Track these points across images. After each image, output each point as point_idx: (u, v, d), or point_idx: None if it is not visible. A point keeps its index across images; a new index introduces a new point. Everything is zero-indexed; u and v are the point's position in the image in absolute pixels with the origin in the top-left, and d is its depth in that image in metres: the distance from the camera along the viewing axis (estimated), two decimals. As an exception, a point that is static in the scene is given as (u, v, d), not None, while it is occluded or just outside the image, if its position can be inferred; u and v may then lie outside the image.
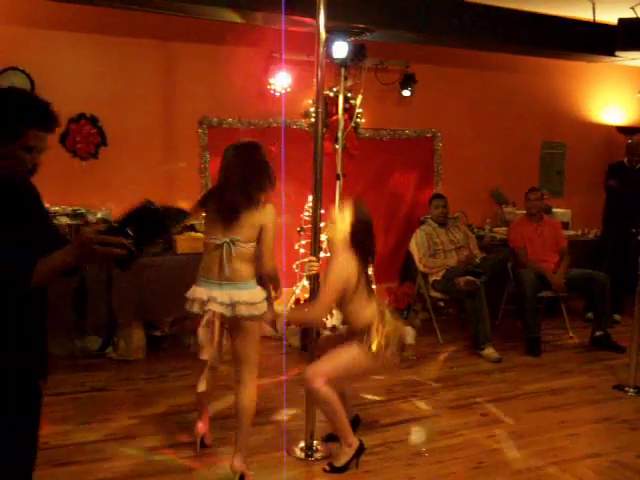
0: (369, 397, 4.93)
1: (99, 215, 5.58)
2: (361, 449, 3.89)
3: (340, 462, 3.84)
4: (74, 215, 5.50)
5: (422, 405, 4.82)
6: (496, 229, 7.28)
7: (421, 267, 6.36)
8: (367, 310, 3.84)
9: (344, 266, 3.78)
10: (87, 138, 5.79)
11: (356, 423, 4.25)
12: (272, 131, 6.48)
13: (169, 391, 4.89)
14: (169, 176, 6.11)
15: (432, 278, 6.33)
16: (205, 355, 3.61)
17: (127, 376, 5.20)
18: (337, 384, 3.84)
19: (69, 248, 2.11)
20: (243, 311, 3.57)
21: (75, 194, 5.74)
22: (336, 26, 5.48)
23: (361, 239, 3.82)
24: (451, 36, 5.99)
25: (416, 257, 6.39)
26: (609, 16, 6.64)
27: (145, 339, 5.61)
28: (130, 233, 2.07)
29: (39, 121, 2.20)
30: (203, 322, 3.56)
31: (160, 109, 6.06)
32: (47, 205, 5.46)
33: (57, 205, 5.56)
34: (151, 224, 2.20)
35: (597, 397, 5.09)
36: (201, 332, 3.57)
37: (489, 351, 5.82)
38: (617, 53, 6.28)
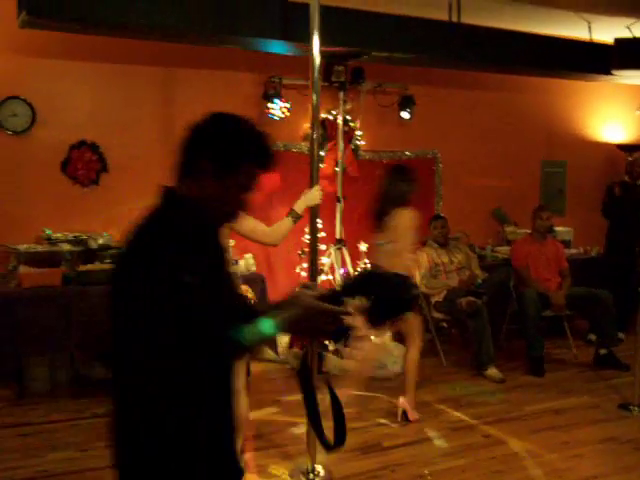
0: (373, 419, 4.90)
1: (100, 241, 5.61)
2: None
3: None
4: (76, 241, 5.53)
5: (424, 427, 4.79)
6: (498, 248, 7.28)
7: (422, 288, 6.35)
8: None
9: None
10: (88, 164, 5.84)
11: None
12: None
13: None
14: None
15: (434, 299, 6.32)
16: None
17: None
18: None
19: (286, 315, 1.75)
20: None
21: (76, 220, 5.78)
22: (333, 50, 5.52)
23: None
24: (448, 58, 6.02)
25: (417, 278, 6.38)
26: (605, 35, 6.69)
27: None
28: (358, 302, 1.80)
29: (257, 155, 1.85)
30: None
31: (160, 135, 6.09)
32: (49, 232, 5.55)
33: (58, 232, 5.60)
34: (386, 294, 1.88)
35: (601, 417, 5.06)
36: None
37: (492, 371, 5.80)
38: (613, 72, 6.31)
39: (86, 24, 4.79)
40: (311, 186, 3.94)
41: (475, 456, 4.32)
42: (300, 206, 3.99)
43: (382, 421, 4.89)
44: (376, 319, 1.87)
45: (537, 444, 4.51)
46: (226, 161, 1.80)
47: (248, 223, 3.81)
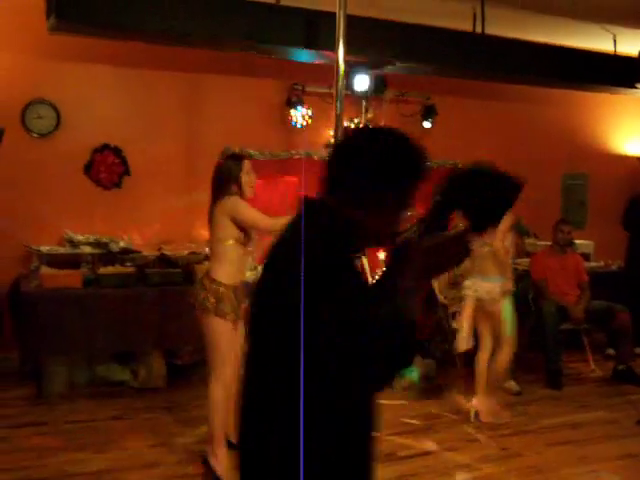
0: (387, 429, 4.89)
1: (121, 244, 5.65)
2: None
3: None
4: (97, 244, 5.58)
5: (440, 438, 4.77)
6: (518, 260, 7.23)
7: (441, 298, 6.33)
8: None
9: None
10: (111, 168, 5.89)
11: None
12: (293, 162, 6.54)
13: (190, 421, 4.88)
14: (192, 205, 6.17)
15: (452, 309, 6.29)
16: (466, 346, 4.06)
17: (147, 405, 5.20)
18: None
19: (408, 273, 1.67)
20: None
21: (98, 223, 5.84)
22: (357, 59, 5.53)
23: None
24: (471, 68, 6.03)
25: (436, 288, 6.36)
26: (630, 48, 6.67)
27: (166, 368, 5.62)
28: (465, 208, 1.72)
29: (418, 171, 1.78)
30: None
31: (183, 139, 6.15)
32: (71, 234, 5.60)
33: (80, 234, 5.65)
34: (488, 193, 1.78)
35: (619, 432, 5.01)
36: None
37: (510, 384, 5.76)
38: (638, 85, 6.28)
39: (114, 29, 4.87)
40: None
41: (491, 469, 4.29)
42: None
43: (397, 430, 4.87)
44: (482, 223, 1.78)
45: (554, 458, 4.47)
46: (391, 179, 1.73)
47: (250, 212, 3.92)
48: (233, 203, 3.94)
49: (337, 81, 3.81)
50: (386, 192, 1.71)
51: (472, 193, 1.77)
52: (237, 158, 4.12)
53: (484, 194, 1.77)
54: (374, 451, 1.81)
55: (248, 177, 4.05)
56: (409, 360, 1.74)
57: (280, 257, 1.73)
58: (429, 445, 4.64)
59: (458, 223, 1.73)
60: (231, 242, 3.97)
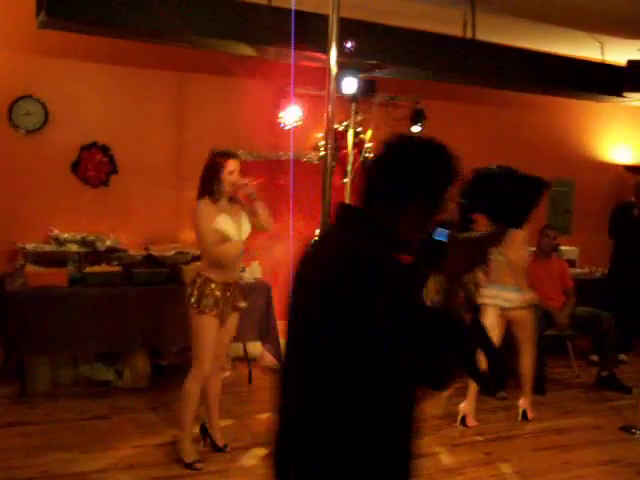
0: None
1: (108, 243, 5.61)
2: None
3: None
4: (83, 242, 5.53)
5: (426, 442, 4.77)
6: (503, 266, 7.26)
7: (429, 304, 6.34)
8: None
9: None
10: (98, 166, 5.86)
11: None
12: (282, 164, 6.53)
13: (174, 421, 4.83)
14: (179, 205, 6.15)
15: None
16: None
17: (131, 405, 5.17)
18: None
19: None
20: None
21: (85, 221, 5.80)
22: (347, 62, 5.53)
23: None
24: (461, 74, 6.04)
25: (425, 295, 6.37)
26: (616, 57, 6.72)
27: (150, 368, 5.60)
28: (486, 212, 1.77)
29: (454, 179, 1.83)
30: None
31: (171, 139, 6.12)
32: (57, 232, 5.56)
33: (67, 232, 5.61)
34: (512, 194, 1.84)
35: (603, 438, 5.04)
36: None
37: (494, 388, 5.79)
38: (625, 94, 6.33)
39: (104, 27, 4.82)
40: (323, 199, 3.91)
41: (475, 473, 4.31)
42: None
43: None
44: (514, 220, 1.84)
45: (538, 463, 4.50)
46: (428, 187, 1.78)
47: (203, 228, 4.03)
48: (196, 209, 4.05)
49: (329, 84, 3.80)
50: (423, 199, 1.76)
51: (496, 195, 1.84)
52: (222, 156, 4.12)
53: (508, 195, 1.82)
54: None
55: (231, 176, 4.07)
56: (468, 359, 1.76)
57: (327, 264, 1.74)
58: (423, 448, 4.63)
59: (482, 225, 1.80)
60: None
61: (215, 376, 4.30)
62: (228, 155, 4.13)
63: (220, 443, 4.37)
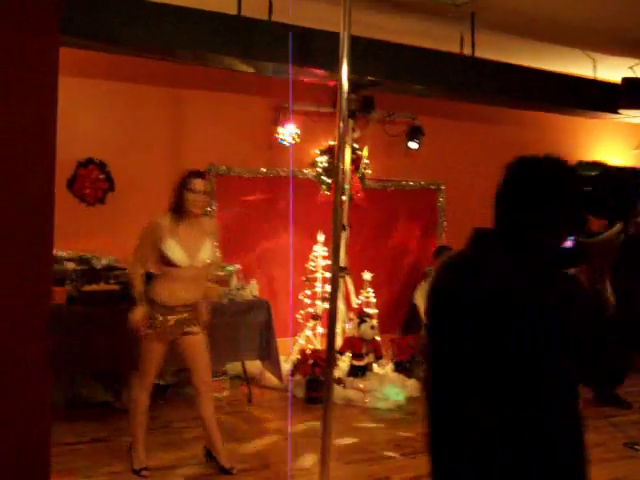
0: (379, 452, 4.83)
1: (104, 261, 5.53)
2: None
3: None
4: (80, 261, 5.44)
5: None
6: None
7: (426, 320, 6.31)
8: None
9: None
10: (95, 184, 5.78)
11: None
12: (279, 180, 6.49)
13: (173, 443, 4.77)
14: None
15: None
16: None
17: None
18: None
19: None
20: None
21: (81, 239, 5.71)
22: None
23: None
24: (459, 91, 6.06)
25: (421, 309, 6.35)
26: (609, 74, 6.79)
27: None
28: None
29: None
30: None
31: (168, 156, 6.06)
32: (54, 250, 5.45)
33: (63, 250, 5.51)
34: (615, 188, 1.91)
35: (607, 456, 5.00)
36: None
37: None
38: (620, 111, 6.39)
39: (101, 42, 4.78)
40: (334, 218, 3.86)
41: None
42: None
43: (388, 454, 4.82)
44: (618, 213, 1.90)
45: None
46: (570, 203, 1.87)
47: (136, 246, 4.18)
48: (151, 222, 4.11)
49: (340, 101, 3.77)
50: (563, 214, 1.85)
51: (598, 192, 1.91)
52: (189, 175, 4.13)
53: (610, 190, 1.89)
54: None
55: (193, 195, 4.05)
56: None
57: (505, 287, 1.78)
58: (421, 467, 4.57)
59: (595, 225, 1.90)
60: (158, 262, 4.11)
61: (205, 400, 4.26)
62: (194, 174, 4.12)
63: (226, 465, 4.30)
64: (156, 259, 4.10)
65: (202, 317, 4.26)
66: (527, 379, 1.74)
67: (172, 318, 4.10)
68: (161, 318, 4.08)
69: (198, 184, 4.07)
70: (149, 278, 5.18)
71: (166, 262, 4.04)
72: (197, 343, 4.22)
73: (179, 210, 4.06)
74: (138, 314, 4.13)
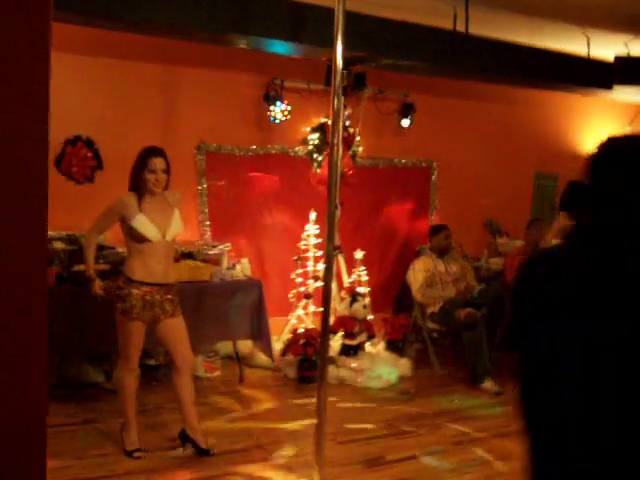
0: (373, 431, 4.81)
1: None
2: None
3: None
4: (69, 240, 5.36)
5: (425, 440, 4.72)
6: (491, 260, 7.25)
7: (419, 298, 6.29)
8: None
9: None
10: (83, 161, 5.68)
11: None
12: (270, 158, 6.42)
13: (165, 424, 4.72)
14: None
15: (429, 310, 6.27)
16: None
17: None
18: None
19: None
20: None
21: (69, 218, 5.59)
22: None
23: None
24: (451, 66, 5.98)
25: (414, 288, 6.32)
26: (603, 51, 6.72)
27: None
28: None
29: None
30: None
31: (157, 133, 5.95)
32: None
33: (51, 230, 5.42)
34: None
35: None
36: None
37: (489, 384, 5.75)
38: (615, 87, 6.34)
39: (90, 16, 4.67)
40: (330, 198, 3.78)
41: (481, 472, 4.26)
42: None
43: (382, 433, 4.81)
44: None
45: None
46: None
47: (99, 214, 4.20)
48: (119, 198, 4.09)
49: (335, 78, 3.69)
50: None
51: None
52: (147, 154, 4.06)
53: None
54: None
55: (153, 175, 4.00)
56: None
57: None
58: (416, 448, 4.57)
59: None
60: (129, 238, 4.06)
61: (182, 378, 4.20)
62: (153, 152, 4.05)
63: (203, 445, 4.24)
64: (126, 236, 4.05)
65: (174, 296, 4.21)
66: None
67: (150, 296, 4.03)
68: (138, 296, 4.00)
69: (158, 163, 4.01)
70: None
71: (138, 239, 3.97)
72: (176, 321, 4.16)
73: (140, 190, 4.02)
74: (97, 286, 4.15)
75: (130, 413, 4.25)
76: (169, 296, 4.13)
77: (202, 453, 4.22)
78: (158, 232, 4.00)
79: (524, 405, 1.83)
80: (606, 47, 6.71)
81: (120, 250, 5.47)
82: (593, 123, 8.42)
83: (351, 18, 5.28)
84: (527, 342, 1.75)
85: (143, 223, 3.95)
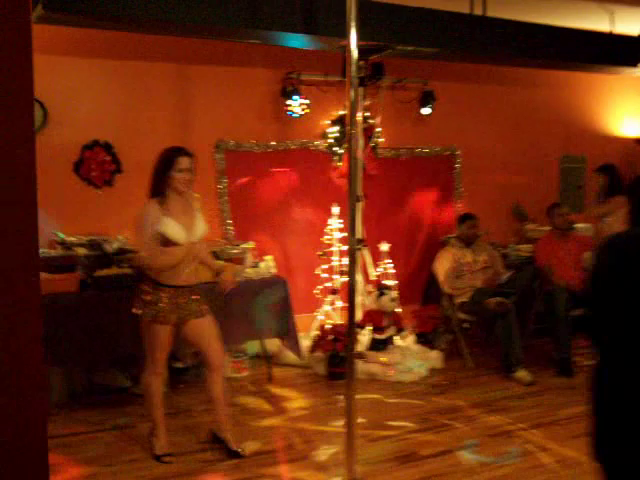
0: (405, 427, 4.72)
1: (115, 245, 5.41)
2: None
3: None
4: (91, 245, 5.33)
5: (460, 434, 4.61)
6: (519, 246, 7.11)
7: (447, 289, 6.18)
8: None
9: None
10: (102, 166, 5.64)
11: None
12: (289, 153, 6.34)
13: (195, 427, 4.68)
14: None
15: (459, 300, 6.15)
16: None
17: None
18: None
19: None
20: None
21: (90, 223, 5.59)
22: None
23: None
24: (470, 51, 5.84)
25: (441, 279, 6.21)
26: (627, 26, 6.54)
27: (167, 372, 5.39)
28: None
29: None
30: None
31: (176, 133, 5.91)
32: (63, 236, 5.34)
33: (72, 235, 5.41)
34: None
35: (639, 420, 4.88)
36: None
37: (522, 374, 5.63)
38: (640, 64, 6.17)
39: (103, 18, 4.61)
40: (350, 190, 3.69)
41: (517, 465, 4.15)
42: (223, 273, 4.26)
43: (414, 428, 4.71)
44: None
45: (578, 451, 4.31)
46: None
47: (138, 234, 3.98)
48: (141, 212, 3.94)
49: (350, 69, 3.60)
50: None
51: None
52: (175, 153, 3.96)
53: None
54: None
55: (181, 174, 3.91)
56: None
57: None
58: (450, 442, 4.47)
59: None
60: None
61: (215, 376, 4.15)
62: (179, 152, 3.96)
63: (234, 447, 4.19)
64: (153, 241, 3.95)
65: (226, 285, 4.22)
66: None
67: (177, 298, 3.98)
68: (166, 300, 3.95)
69: (185, 162, 3.93)
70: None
71: (164, 242, 3.89)
72: (205, 321, 4.11)
73: (163, 191, 3.93)
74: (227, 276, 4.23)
75: (158, 417, 4.21)
76: (196, 296, 4.08)
77: (232, 454, 4.17)
78: (186, 234, 3.94)
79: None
80: (630, 23, 6.54)
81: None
82: (617, 101, 8.22)
83: (365, 7, 5.22)
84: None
85: (171, 226, 3.88)
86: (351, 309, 3.73)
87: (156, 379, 4.16)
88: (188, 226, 3.96)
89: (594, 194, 6.55)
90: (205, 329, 4.11)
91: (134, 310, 4.00)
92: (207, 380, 4.17)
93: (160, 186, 3.94)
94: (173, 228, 3.88)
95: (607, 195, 6.28)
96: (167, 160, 3.93)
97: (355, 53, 3.63)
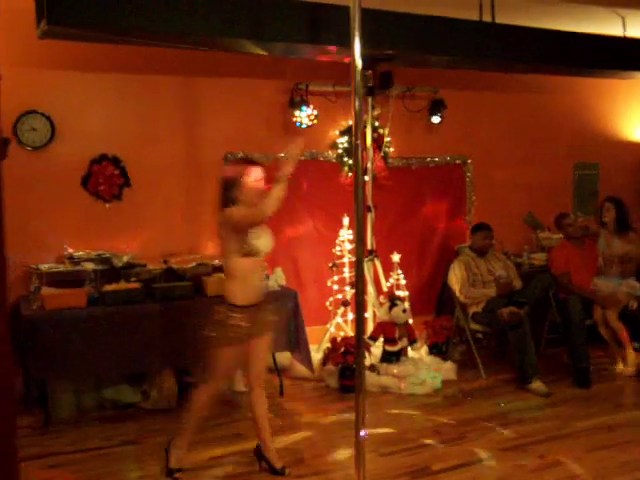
0: (418, 440, 4.64)
1: (124, 259, 5.38)
2: None
3: None
4: (99, 260, 5.31)
5: (474, 447, 4.52)
6: (533, 255, 7.01)
7: (462, 298, 6.09)
8: None
9: None
10: (110, 180, 5.62)
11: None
12: (299, 164, 6.25)
13: (206, 442, 4.60)
14: (195, 215, 5.90)
15: (472, 310, 6.07)
16: None
17: (160, 427, 4.90)
18: None
19: None
20: None
21: (99, 238, 5.57)
22: (362, 54, 5.28)
23: None
24: (482, 58, 5.78)
25: (456, 288, 6.12)
26: (639, 32, 6.47)
27: (177, 387, 5.34)
28: None
29: None
30: None
31: (184, 146, 5.89)
32: (71, 251, 5.31)
33: (81, 250, 5.39)
34: None
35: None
36: None
37: (537, 384, 5.53)
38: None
39: (109, 32, 4.59)
40: (356, 200, 3.63)
41: (533, 479, 4.06)
42: (285, 168, 3.82)
43: (427, 441, 4.63)
44: None
45: (595, 465, 4.22)
46: None
47: (239, 211, 3.75)
48: (226, 213, 3.78)
49: (354, 79, 3.55)
50: None
51: None
52: (247, 165, 3.91)
53: None
54: None
55: (256, 184, 3.85)
56: None
57: None
58: (463, 456, 4.38)
59: None
60: (236, 256, 3.80)
61: (258, 395, 4.07)
62: (250, 163, 3.93)
63: (277, 465, 4.11)
64: (229, 256, 3.84)
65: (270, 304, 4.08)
66: None
67: (254, 315, 3.88)
68: (244, 321, 3.84)
69: (258, 172, 3.88)
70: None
71: (246, 252, 3.79)
72: (265, 340, 4.04)
73: (235, 202, 3.79)
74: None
75: (192, 429, 4.11)
76: (269, 305, 4.03)
77: (275, 472, 4.09)
78: (269, 241, 3.92)
79: None
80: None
81: (151, 267, 5.41)
82: (630, 107, 8.11)
83: (371, 15, 5.17)
84: None
85: (256, 236, 3.82)
86: (359, 320, 3.65)
87: (208, 399, 4.05)
88: (264, 236, 3.92)
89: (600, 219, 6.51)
90: (262, 349, 4.05)
91: (207, 333, 3.88)
92: (249, 397, 4.09)
93: (235, 197, 3.82)
94: (258, 237, 3.82)
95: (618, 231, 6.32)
96: (240, 173, 3.84)
97: (359, 62, 3.57)
